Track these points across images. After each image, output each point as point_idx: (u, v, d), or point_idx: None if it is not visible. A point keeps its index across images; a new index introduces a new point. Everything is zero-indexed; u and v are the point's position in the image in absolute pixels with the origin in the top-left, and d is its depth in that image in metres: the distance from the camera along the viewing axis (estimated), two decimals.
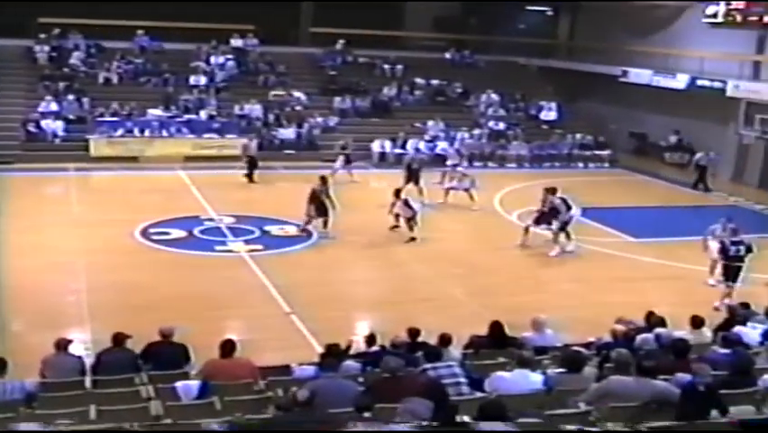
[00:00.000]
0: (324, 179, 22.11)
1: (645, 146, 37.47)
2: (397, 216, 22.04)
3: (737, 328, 12.48)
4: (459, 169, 26.73)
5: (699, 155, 30.12)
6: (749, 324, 12.77)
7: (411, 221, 21.65)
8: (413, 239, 21.41)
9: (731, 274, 17.41)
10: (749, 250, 17.62)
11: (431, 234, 22.19)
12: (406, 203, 21.88)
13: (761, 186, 30.91)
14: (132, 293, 16.53)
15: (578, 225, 21.95)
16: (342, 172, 28.81)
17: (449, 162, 28.52)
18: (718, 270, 18.21)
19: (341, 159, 29.32)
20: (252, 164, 28.46)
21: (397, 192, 22.27)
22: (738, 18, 31.75)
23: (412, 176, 25.92)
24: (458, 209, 24.97)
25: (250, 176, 28.30)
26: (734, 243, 17.73)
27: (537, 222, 21.70)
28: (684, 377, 9.22)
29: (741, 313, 13.51)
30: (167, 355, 11.14)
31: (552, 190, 21.74)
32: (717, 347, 11.30)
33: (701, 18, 33.12)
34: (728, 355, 10.56)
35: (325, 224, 21.53)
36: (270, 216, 23.12)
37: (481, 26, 42.00)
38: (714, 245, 18.63)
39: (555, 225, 21.15)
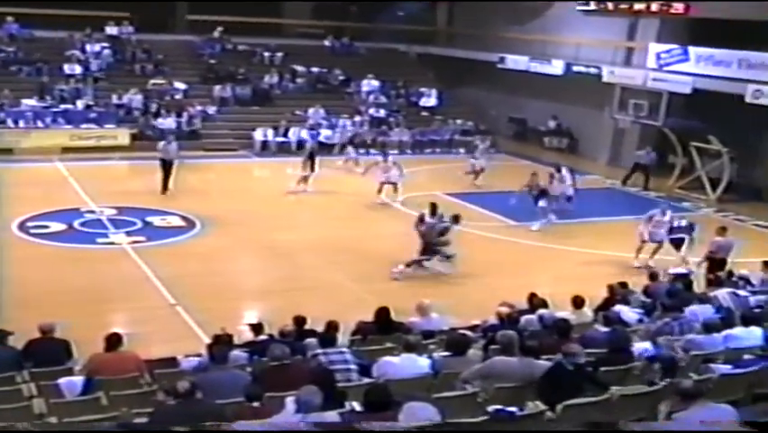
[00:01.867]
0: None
1: (525, 131, 38.25)
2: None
3: (617, 307, 12.90)
4: (390, 159, 25.82)
5: (638, 153, 30.25)
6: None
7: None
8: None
9: (676, 246, 19.37)
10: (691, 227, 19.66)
11: (315, 222, 22.34)
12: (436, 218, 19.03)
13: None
14: (12, 289, 16.07)
15: (460, 210, 22.19)
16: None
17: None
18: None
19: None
20: (167, 170, 24.72)
21: (425, 217, 19.07)
22: (610, 6, 32.58)
23: (313, 164, 25.78)
24: (340, 196, 25.06)
25: (165, 184, 24.67)
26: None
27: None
28: None
29: (620, 292, 14.00)
30: (48, 352, 10.83)
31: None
32: (598, 326, 11.65)
33: (575, 6, 33.85)
34: (607, 334, 10.92)
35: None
36: (153, 207, 22.76)
37: (361, 14, 42.06)
38: (646, 230, 19.49)
39: None
